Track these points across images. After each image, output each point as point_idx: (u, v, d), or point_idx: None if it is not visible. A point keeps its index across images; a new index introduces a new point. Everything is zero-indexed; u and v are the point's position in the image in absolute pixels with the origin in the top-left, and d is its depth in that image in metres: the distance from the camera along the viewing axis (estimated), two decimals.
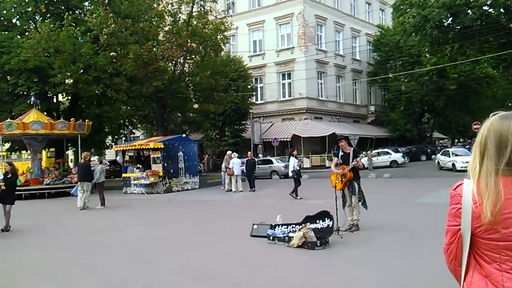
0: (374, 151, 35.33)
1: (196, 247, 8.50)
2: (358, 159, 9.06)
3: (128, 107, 28.04)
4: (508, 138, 1.70)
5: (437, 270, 5.18)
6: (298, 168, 16.61)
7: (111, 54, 26.54)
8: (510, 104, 36.56)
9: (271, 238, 8.41)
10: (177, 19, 26.62)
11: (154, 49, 25.93)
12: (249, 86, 38.14)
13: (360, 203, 9.20)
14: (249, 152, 21.46)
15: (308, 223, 8.30)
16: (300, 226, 8.25)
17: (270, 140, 36.82)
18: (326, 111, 41.10)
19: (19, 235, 10.95)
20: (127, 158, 24.39)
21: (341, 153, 9.29)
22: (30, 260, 8.07)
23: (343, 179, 9.07)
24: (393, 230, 9.19)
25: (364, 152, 9.30)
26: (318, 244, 7.61)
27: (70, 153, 36.74)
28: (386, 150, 36.43)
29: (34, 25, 26.81)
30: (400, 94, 44.36)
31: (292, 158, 17.10)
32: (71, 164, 31.43)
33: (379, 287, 5.49)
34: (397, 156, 34.94)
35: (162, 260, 7.59)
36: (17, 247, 9.48)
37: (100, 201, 16.25)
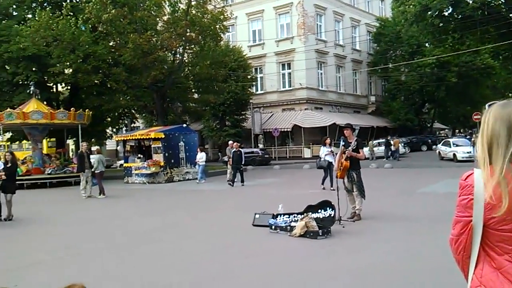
0: (375, 141, 35.34)
1: (195, 236, 8.52)
2: (350, 149, 8.90)
3: (128, 97, 27.95)
4: None
5: (439, 259, 5.22)
6: (326, 159, 14.99)
7: (110, 43, 26.40)
8: (510, 94, 36.58)
9: (273, 227, 8.43)
10: (176, 8, 26.45)
11: (154, 39, 25.81)
12: (249, 76, 38.01)
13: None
14: (234, 143, 20.08)
15: (310, 213, 8.31)
16: (302, 216, 8.27)
17: (270, 130, 36.80)
18: (326, 101, 41.02)
19: (21, 224, 10.98)
20: (128, 148, 24.39)
21: (342, 142, 9.26)
22: (30, 248, 8.10)
23: (341, 168, 9.07)
24: (394, 219, 9.23)
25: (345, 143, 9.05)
26: (320, 234, 7.63)
27: (71, 142, 36.71)
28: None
29: (32, 14, 26.59)
30: (400, 84, 44.27)
31: (322, 147, 15.83)
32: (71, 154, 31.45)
33: (378, 274, 5.51)
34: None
35: (159, 248, 7.63)
36: (18, 236, 9.51)
37: (100, 190, 16.29)
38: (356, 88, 45.38)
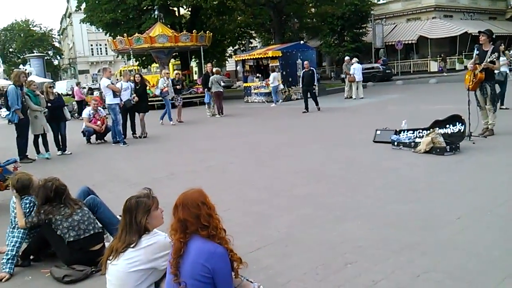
0: None
1: (316, 151, 8.56)
2: (487, 60, 7.97)
3: (246, 16, 27.96)
4: None
5: None
6: (502, 70, 11.33)
7: None
8: None
9: (395, 143, 8.11)
10: None
11: None
12: None
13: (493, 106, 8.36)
14: (305, 62, 17.17)
15: (437, 128, 7.80)
16: (428, 131, 7.81)
17: (393, 43, 34.69)
18: (457, 8, 37.14)
19: (155, 140, 11.99)
20: (247, 67, 24.81)
21: (476, 51, 8.33)
22: (165, 161, 8.84)
23: (474, 80, 8.24)
24: None
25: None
26: (448, 150, 7.17)
27: (194, 65, 38.38)
28: None
29: None
30: None
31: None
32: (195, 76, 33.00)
33: (510, 193, 5.07)
34: None
35: (282, 162, 7.86)
36: (153, 151, 10.39)
37: (217, 109, 16.97)
38: None
